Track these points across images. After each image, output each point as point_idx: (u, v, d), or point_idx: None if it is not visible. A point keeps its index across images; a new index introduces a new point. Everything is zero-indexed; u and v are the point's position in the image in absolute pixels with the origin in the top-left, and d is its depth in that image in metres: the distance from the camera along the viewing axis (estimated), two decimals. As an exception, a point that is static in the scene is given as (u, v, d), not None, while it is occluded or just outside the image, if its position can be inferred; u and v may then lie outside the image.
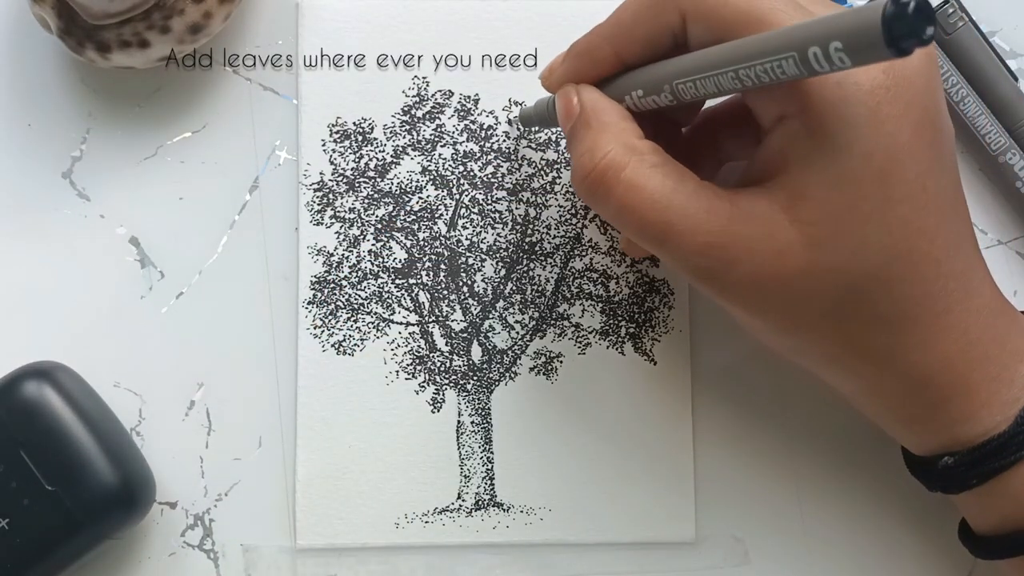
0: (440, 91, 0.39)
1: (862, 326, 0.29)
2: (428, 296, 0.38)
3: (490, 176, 0.39)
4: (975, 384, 0.30)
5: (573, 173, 0.31)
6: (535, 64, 0.39)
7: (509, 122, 0.39)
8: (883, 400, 0.31)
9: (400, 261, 0.38)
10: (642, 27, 0.30)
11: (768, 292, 0.29)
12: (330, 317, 0.38)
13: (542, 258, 0.38)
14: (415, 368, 0.38)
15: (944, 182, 0.29)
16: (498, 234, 0.39)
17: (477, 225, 0.39)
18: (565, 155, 0.39)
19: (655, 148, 0.30)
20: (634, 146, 0.30)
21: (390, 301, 0.38)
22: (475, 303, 0.38)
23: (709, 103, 0.35)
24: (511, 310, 0.38)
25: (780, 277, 0.28)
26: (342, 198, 0.38)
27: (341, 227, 0.38)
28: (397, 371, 0.38)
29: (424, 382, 0.38)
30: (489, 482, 0.38)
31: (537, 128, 0.38)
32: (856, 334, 0.29)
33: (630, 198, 0.29)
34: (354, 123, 0.39)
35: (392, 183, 0.39)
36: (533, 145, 0.39)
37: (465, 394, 0.38)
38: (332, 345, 0.38)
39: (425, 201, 0.39)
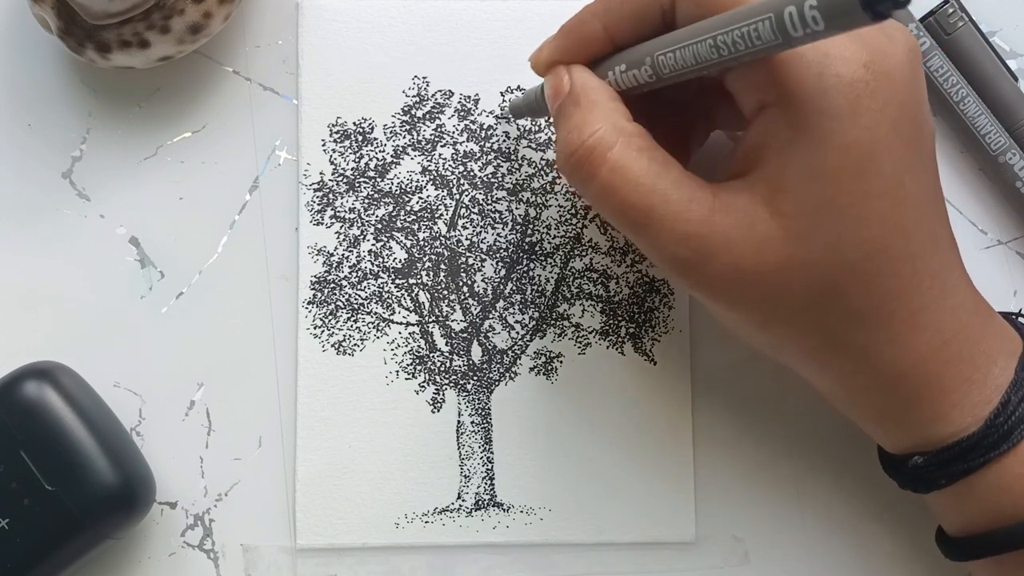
0: (440, 91, 0.39)
1: (838, 321, 0.29)
2: (428, 296, 0.38)
3: (490, 176, 0.39)
4: (947, 384, 0.30)
5: (558, 150, 0.31)
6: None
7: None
8: (857, 397, 0.31)
9: (400, 261, 0.38)
10: (631, 2, 0.30)
11: (746, 285, 0.29)
12: (330, 317, 0.38)
13: (542, 258, 0.38)
14: (415, 368, 0.38)
15: (923, 180, 0.29)
16: (498, 234, 0.39)
17: (477, 225, 0.39)
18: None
19: (643, 131, 0.30)
20: (623, 127, 0.30)
21: (390, 301, 0.38)
22: (475, 303, 0.38)
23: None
24: (511, 310, 0.38)
25: (758, 271, 0.28)
26: (342, 198, 0.38)
27: (341, 227, 0.38)
28: (397, 371, 0.38)
29: (424, 382, 0.38)
30: (489, 482, 0.38)
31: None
32: (832, 329, 0.29)
33: (614, 179, 0.29)
34: (354, 123, 0.39)
35: (392, 183, 0.39)
36: (533, 145, 0.39)
37: (465, 394, 0.38)
38: (332, 345, 0.38)
39: (425, 201, 0.39)
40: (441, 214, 0.39)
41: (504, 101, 0.39)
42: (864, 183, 0.28)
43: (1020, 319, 0.33)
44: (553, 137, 0.39)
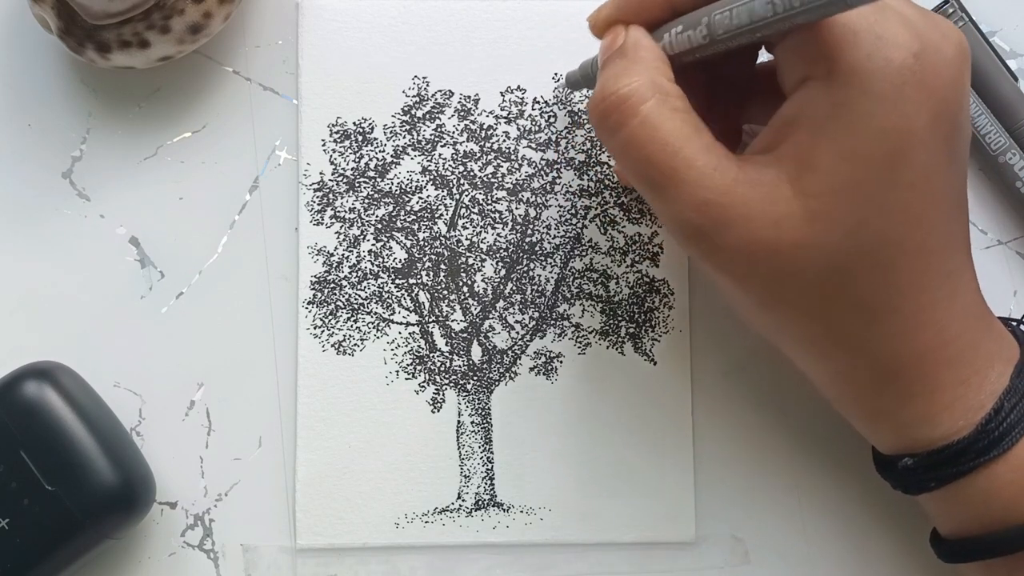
0: (440, 91, 0.39)
1: (843, 309, 0.29)
2: (428, 296, 0.38)
3: (490, 176, 0.39)
4: (942, 384, 0.30)
5: (593, 95, 0.30)
6: (536, 64, 0.39)
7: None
8: (852, 390, 0.31)
9: (400, 261, 0.38)
10: None
11: (757, 261, 0.29)
12: (330, 317, 0.38)
13: (542, 258, 0.38)
14: (415, 368, 0.38)
15: (951, 180, 0.29)
16: (498, 234, 0.39)
17: (477, 225, 0.39)
18: (565, 155, 0.39)
19: (681, 94, 0.29)
20: (662, 85, 0.29)
21: (390, 301, 0.38)
22: (475, 303, 0.38)
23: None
24: (511, 310, 0.38)
25: (772, 247, 0.28)
26: (342, 198, 0.38)
27: (341, 227, 0.38)
28: (397, 371, 0.38)
29: (424, 382, 0.38)
30: (489, 482, 0.38)
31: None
32: (835, 316, 0.29)
33: (643, 133, 0.29)
34: (354, 123, 0.39)
35: (392, 183, 0.39)
36: (533, 145, 0.39)
37: (465, 394, 0.38)
38: (332, 345, 0.38)
39: (425, 201, 0.39)
40: (441, 214, 0.39)
41: (504, 101, 0.39)
42: (894, 172, 0.28)
43: (1021, 326, 0.33)
44: (554, 137, 0.39)
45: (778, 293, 0.29)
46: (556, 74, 0.39)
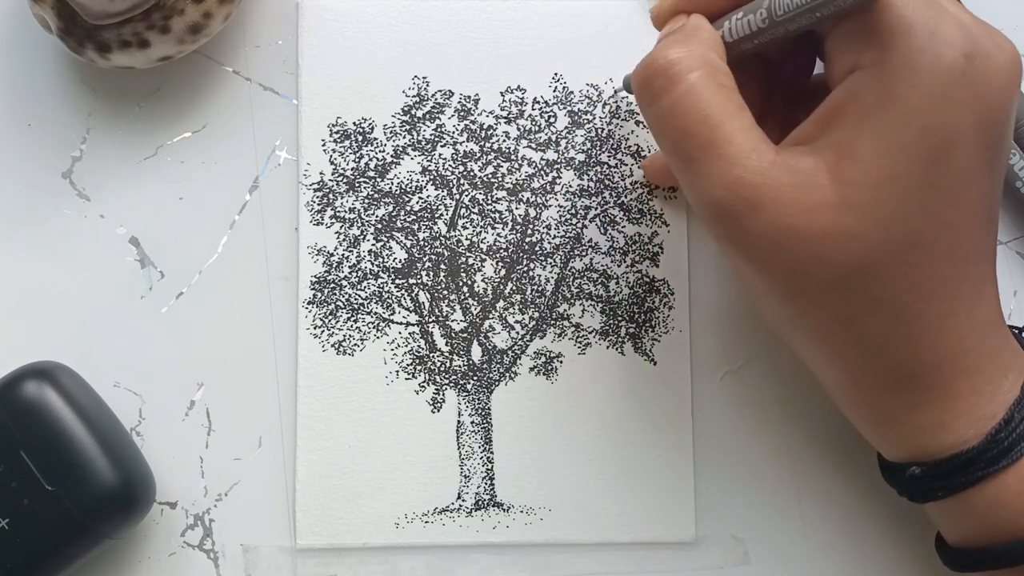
0: (440, 91, 0.39)
1: (865, 306, 0.29)
2: (428, 296, 0.38)
3: (490, 176, 0.39)
4: (957, 393, 0.29)
5: (640, 62, 0.30)
6: (536, 64, 0.39)
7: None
8: (864, 392, 0.31)
9: (400, 261, 0.38)
10: None
11: (783, 248, 0.28)
12: (330, 317, 0.38)
13: (542, 258, 0.38)
14: (415, 368, 0.38)
15: (988, 188, 0.29)
16: (498, 234, 0.39)
17: (477, 225, 0.39)
18: (565, 155, 0.39)
19: (729, 73, 0.29)
20: (712, 59, 0.29)
21: (390, 301, 0.38)
22: (475, 303, 0.38)
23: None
24: (511, 310, 0.38)
25: (802, 235, 0.28)
26: (342, 198, 0.38)
27: (341, 227, 0.38)
28: (397, 371, 0.38)
29: (424, 382, 0.38)
30: (489, 482, 0.38)
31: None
32: (856, 313, 0.29)
33: (686, 102, 0.28)
34: (354, 123, 0.39)
35: (392, 183, 0.39)
36: (533, 145, 0.39)
37: (465, 394, 0.38)
38: (332, 345, 0.38)
39: (425, 201, 0.39)
40: (441, 214, 0.39)
41: (504, 101, 0.39)
42: (933, 171, 0.27)
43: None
44: (554, 137, 0.39)
45: (800, 283, 0.29)
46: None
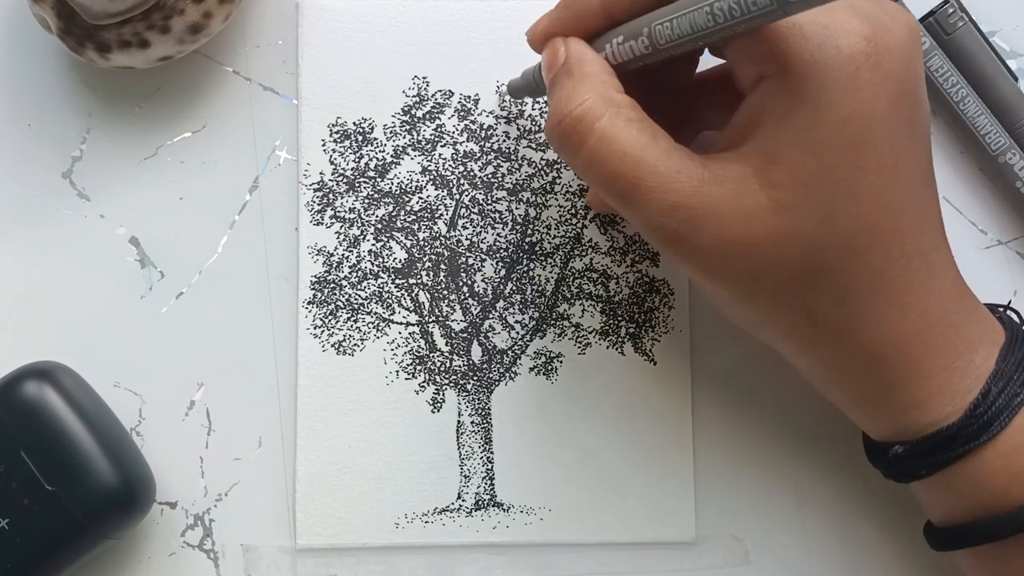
0: (440, 91, 0.39)
1: (822, 297, 0.29)
2: (428, 296, 0.38)
3: (490, 176, 0.39)
4: (929, 370, 0.30)
5: (548, 119, 0.30)
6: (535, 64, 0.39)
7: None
8: (839, 378, 0.31)
9: (400, 261, 0.38)
10: None
11: (732, 257, 0.29)
12: (330, 317, 0.38)
13: (542, 258, 0.38)
14: (415, 368, 0.38)
15: (917, 159, 0.29)
16: (498, 234, 0.39)
17: (477, 225, 0.39)
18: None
19: (633, 104, 0.30)
20: (612, 98, 0.29)
21: (390, 301, 0.38)
22: (475, 303, 0.38)
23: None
24: (511, 310, 0.38)
25: (746, 242, 0.28)
26: (342, 198, 0.38)
27: (341, 227, 0.38)
28: (397, 371, 0.38)
29: (424, 382, 0.38)
30: (489, 482, 0.38)
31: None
32: (816, 305, 0.29)
33: (602, 149, 0.29)
34: (354, 123, 0.39)
35: (392, 183, 0.39)
36: (533, 145, 0.39)
37: (465, 394, 0.38)
38: (332, 345, 0.38)
39: (425, 201, 0.39)
40: (441, 214, 0.39)
41: (504, 101, 0.39)
42: (859, 157, 0.28)
43: (1008, 311, 0.33)
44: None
45: (756, 287, 0.29)
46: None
